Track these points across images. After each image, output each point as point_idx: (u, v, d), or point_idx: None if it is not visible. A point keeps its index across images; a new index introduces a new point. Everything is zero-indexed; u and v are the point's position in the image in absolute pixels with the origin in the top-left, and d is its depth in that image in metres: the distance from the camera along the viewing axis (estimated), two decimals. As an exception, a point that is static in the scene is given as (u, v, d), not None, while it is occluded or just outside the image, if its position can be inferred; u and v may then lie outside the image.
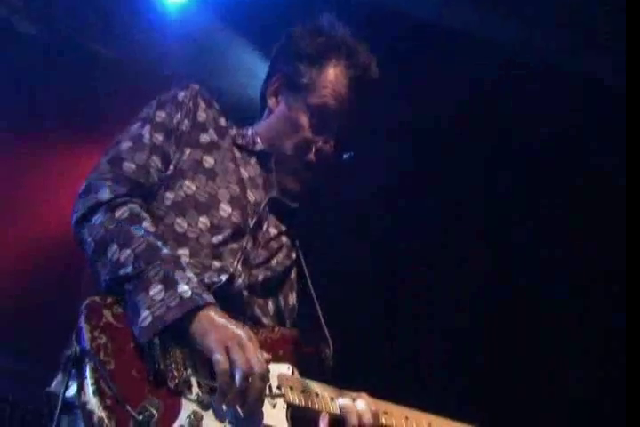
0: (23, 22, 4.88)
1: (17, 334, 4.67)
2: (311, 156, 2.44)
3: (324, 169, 2.48)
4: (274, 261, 2.37)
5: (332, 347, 2.35)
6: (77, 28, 4.97)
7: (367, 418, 2.18)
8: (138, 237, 2.07)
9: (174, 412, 1.87)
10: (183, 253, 2.19)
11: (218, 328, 1.97)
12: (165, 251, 2.07)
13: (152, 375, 1.89)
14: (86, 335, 1.89)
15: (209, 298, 2.02)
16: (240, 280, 2.23)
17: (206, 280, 2.14)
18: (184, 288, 1.99)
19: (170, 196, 2.27)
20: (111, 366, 1.86)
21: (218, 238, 2.25)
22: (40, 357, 4.33)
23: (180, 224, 2.24)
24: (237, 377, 1.91)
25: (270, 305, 2.34)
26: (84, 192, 2.18)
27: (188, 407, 1.89)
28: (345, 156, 2.51)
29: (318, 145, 2.43)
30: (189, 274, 2.05)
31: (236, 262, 2.23)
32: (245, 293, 2.24)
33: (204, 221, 2.25)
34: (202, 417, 1.89)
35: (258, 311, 2.27)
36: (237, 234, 2.28)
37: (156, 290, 1.99)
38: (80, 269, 5.86)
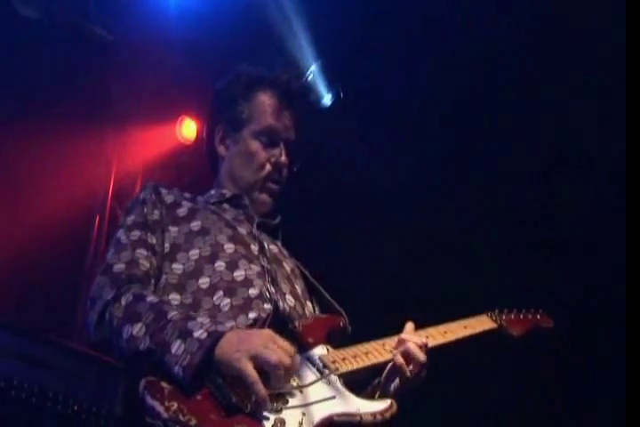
0: (23, 5, 4.89)
1: (16, 313, 4.69)
2: (269, 169, 2.77)
3: (285, 179, 2.83)
4: (287, 270, 2.67)
5: (346, 317, 2.58)
6: (76, 11, 4.97)
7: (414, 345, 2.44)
8: (145, 311, 2.25)
9: None
10: (218, 296, 2.41)
11: (237, 348, 2.13)
12: (173, 313, 2.25)
13: (228, 410, 2.08)
14: (160, 409, 2.05)
15: (223, 328, 2.22)
16: (277, 300, 2.45)
17: (260, 314, 2.36)
18: (199, 332, 2.17)
19: (178, 266, 2.49)
20: (193, 422, 2.04)
21: (239, 272, 2.48)
22: (40, 336, 4.34)
23: (204, 282, 2.45)
24: (277, 374, 2.12)
25: (305, 310, 2.60)
26: (91, 304, 2.35)
27: (269, 419, 2.10)
28: (295, 168, 2.84)
29: (272, 160, 2.76)
30: (200, 319, 2.25)
31: (267, 283, 2.49)
32: (285, 308, 2.47)
33: (219, 264, 2.49)
34: (283, 420, 2.11)
35: (296, 318, 2.47)
36: (251, 260, 2.54)
37: (176, 346, 2.16)
38: (81, 251, 5.88)
